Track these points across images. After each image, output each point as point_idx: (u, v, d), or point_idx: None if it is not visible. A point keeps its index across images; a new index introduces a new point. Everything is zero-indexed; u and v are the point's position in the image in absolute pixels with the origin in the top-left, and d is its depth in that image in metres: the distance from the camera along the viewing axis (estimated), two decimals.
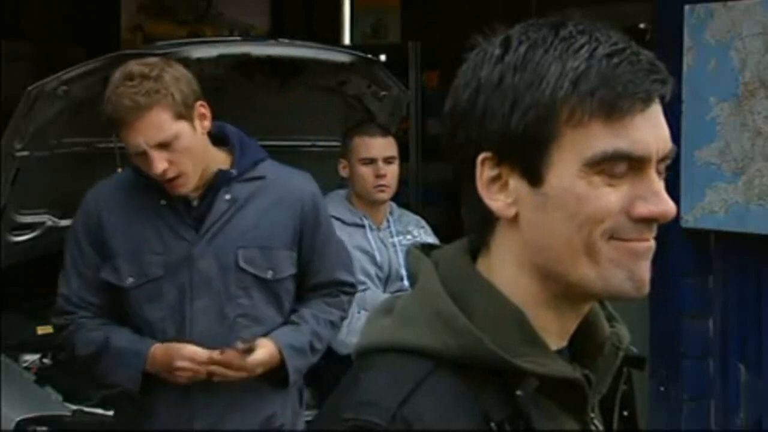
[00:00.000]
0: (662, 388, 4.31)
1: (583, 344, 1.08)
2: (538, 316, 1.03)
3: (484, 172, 1.02)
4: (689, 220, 4.16)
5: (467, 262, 1.06)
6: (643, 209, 1.00)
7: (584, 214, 0.99)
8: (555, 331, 1.05)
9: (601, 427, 1.08)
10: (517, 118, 0.99)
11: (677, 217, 4.17)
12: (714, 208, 4.10)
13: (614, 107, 0.98)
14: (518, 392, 0.98)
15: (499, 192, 1.02)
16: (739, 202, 4.03)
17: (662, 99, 1.01)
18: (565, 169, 0.99)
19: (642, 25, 5.08)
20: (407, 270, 1.12)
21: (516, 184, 1.01)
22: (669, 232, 4.21)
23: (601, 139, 0.98)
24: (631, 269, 1.00)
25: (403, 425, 0.96)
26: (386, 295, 3.31)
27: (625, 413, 1.12)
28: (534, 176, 1.00)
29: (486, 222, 1.04)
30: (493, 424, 0.98)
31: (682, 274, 4.28)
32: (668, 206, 1.01)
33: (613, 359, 1.08)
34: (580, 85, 0.98)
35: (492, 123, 1.01)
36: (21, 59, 6.95)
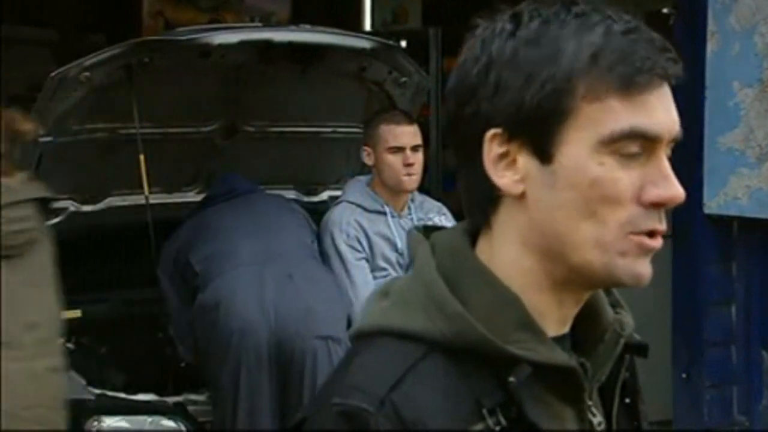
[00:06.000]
0: (684, 375, 4.29)
1: (585, 330, 1.07)
2: (538, 300, 1.01)
3: (493, 148, 1.00)
4: (712, 207, 4.13)
5: (464, 245, 1.04)
6: (653, 194, 0.98)
7: (597, 199, 0.97)
8: (555, 316, 1.03)
9: (598, 416, 1.06)
10: (531, 92, 0.97)
11: (700, 204, 4.14)
12: (737, 195, 4.07)
13: (633, 83, 0.97)
14: (511, 379, 0.97)
15: (506, 169, 1.00)
16: (763, 188, 3.99)
17: (673, 80, 1.00)
18: (577, 147, 0.97)
19: (665, 10, 5.04)
20: (408, 252, 1.11)
21: (525, 161, 0.99)
22: (692, 219, 4.19)
23: (619, 116, 0.97)
24: (634, 263, 0.99)
25: (391, 411, 0.94)
26: None
27: (627, 401, 1.10)
28: (545, 153, 0.98)
29: (489, 200, 1.02)
30: (485, 411, 0.96)
31: (704, 261, 4.26)
32: (678, 190, 0.99)
33: (614, 346, 1.06)
34: (599, 59, 0.97)
35: (504, 98, 0.98)
36: (44, 46, 6.98)
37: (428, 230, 1.09)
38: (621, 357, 1.08)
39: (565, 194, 0.98)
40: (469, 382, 0.97)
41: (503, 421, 0.96)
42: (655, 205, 0.99)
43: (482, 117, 1.00)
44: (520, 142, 0.99)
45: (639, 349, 1.09)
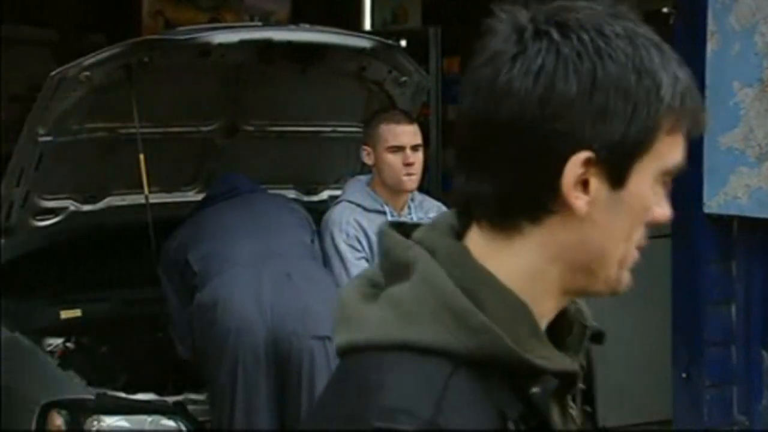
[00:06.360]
0: (684, 375, 4.29)
1: (555, 324, 1.08)
2: (545, 307, 1.03)
3: (576, 170, 0.99)
4: (712, 206, 4.13)
5: (463, 250, 1.03)
6: (659, 214, 1.04)
7: (640, 223, 1.03)
8: (547, 318, 1.05)
9: (575, 408, 1.08)
10: (637, 123, 0.99)
11: (700, 203, 4.14)
12: (737, 194, 4.07)
13: (698, 121, 1.03)
14: (535, 390, 0.98)
15: (580, 190, 1.00)
16: (763, 187, 3.99)
17: None
18: (644, 176, 1.01)
19: (665, 10, 5.04)
20: (379, 250, 1.07)
21: (597, 184, 1.00)
22: (692, 218, 4.19)
23: (677, 150, 1.03)
24: (628, 274, 1.05)
25: None
26: None
27: (582, 386, 1.12)
28: (619, 180, 1.01)
29: (535, 211, 1.01)
30: (510, 423, 0.97)
31: (704, 260, 4.26)
32: (670, 211, 1.06)
33: (581, 338, 1.09)
34: (687, 99, 1.01)
35: (610, 125, 0.98)
36: (44, 46, 6.99)
37: (396, 227, 1.07)
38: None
39: (623, 218, 1.02)
40: (491, 395, 0.98)
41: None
42: (655, 224, 1.04)
43: (576, 137, 0.98)
44: (600, 167, 1.00)
45: (596, 337, 1.11)
